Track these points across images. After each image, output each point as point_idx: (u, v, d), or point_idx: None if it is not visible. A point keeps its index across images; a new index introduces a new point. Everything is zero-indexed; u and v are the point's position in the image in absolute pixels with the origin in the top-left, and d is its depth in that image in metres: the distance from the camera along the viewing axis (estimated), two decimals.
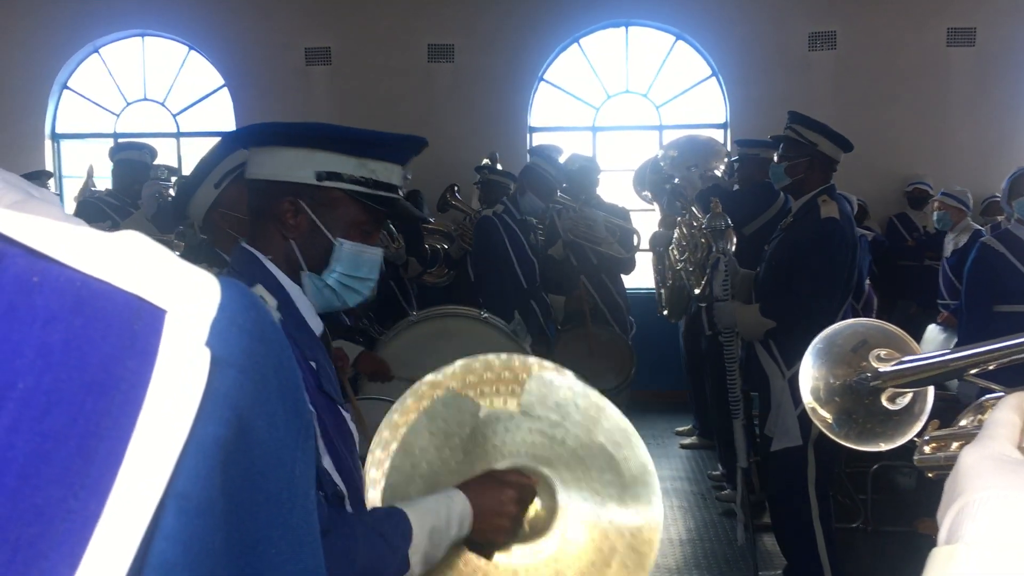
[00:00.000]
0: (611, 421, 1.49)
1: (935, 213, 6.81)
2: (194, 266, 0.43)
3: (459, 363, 1.52)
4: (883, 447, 0.77)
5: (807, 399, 0.78)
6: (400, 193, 1.52)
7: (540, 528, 1.50)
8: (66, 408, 0.36)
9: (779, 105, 7.65)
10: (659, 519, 1.47)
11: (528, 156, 5.25)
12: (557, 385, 1.50)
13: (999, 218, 5.93)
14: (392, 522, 1.35)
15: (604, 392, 1.54)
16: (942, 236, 6.81)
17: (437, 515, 1.38)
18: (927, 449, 0.68)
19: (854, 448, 0.81)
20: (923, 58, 8.02)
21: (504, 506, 1.43)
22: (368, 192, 1.46)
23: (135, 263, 0.40)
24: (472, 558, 1.49)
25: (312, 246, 1.45)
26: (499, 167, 5.98)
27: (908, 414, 0.74)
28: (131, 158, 5.71)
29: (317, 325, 1.49)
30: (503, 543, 1.48)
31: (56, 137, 8.66)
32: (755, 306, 3.77)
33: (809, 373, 0.78)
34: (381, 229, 1.55)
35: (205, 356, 0.40)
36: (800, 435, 3.53)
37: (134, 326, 0.39)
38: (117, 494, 0.36)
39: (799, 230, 3.70)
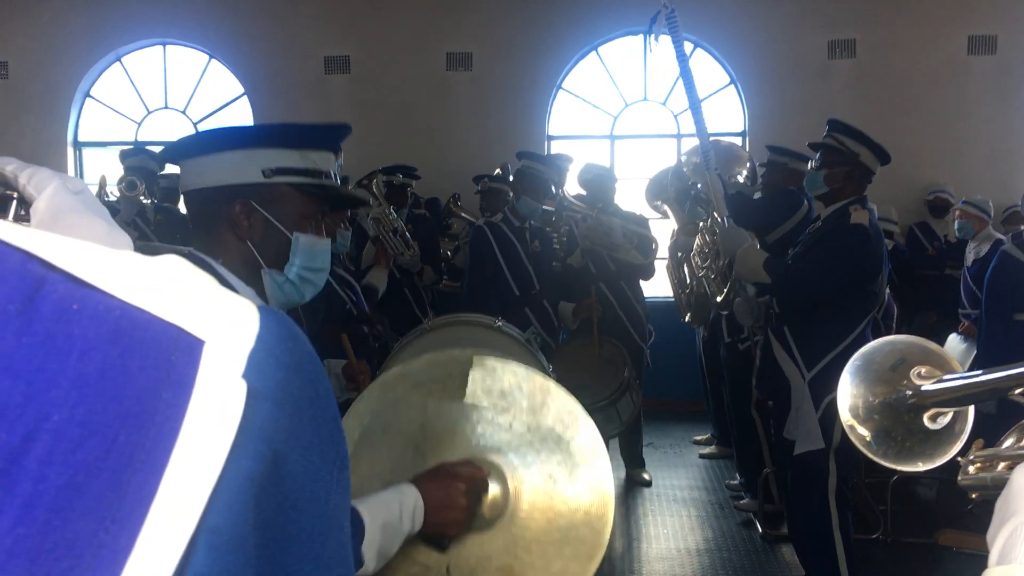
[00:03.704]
0: (558, 403, 1.52)
1: (956, 222, 6.75)
2: (235, 295, 0.42)
3: (426, 357, 1.57)
4: (922, 467, 0.76)
5: (845, 417, 0.77)
6: (335, 179, 1.56)
7: (496, 515, 1.52)
8: (100, 440, 0.36)
9: (798, 113, 7.68)
10: (610, 493, 1.51)
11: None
12: (500, 372, 1.53)
13: (1022, 227, 5.88)
14: None
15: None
16: (963, 245, 6.74)
17: (389, 510, 1.40)
18: (972, 469, 0.67)
19: (890, 466, 0.80)
20: (944, 66, 7.97)
21: (455, 499, 1.45)
22: (313, 182, 1.49)
23: (175, 291, 0.39)
24: (428, 552, 1.51)
25: (270, 244, 1.47)
26: (511, 179, 6.02)
27: (949, 433, 0.73)
28: (138, 164, 5.68)
29: None
30: (457, 535, 1.50)
31: (78, 145, 8.74)
32: (762, 253, 3.69)
33: (847, 391, 0.77)
34: (324, 219, 1.57)
35: (241, 389, 0.39)
36: (822, 438, 3.49)
37: (171, 356, 0.38)
38: (149, 528, 0.36)
39: (826, 233, 3.64)
